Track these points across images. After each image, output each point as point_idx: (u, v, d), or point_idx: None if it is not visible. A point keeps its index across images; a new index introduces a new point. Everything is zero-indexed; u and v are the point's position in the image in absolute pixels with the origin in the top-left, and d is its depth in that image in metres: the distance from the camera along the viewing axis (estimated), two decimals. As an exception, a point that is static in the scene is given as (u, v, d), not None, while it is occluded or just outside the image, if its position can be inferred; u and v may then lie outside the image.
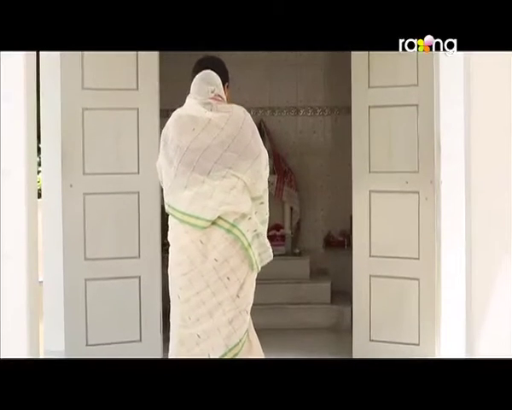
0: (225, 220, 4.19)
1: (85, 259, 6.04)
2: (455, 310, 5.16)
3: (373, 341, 6.03)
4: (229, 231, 4.19)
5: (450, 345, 5.15)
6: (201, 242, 4.21)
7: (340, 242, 8.67)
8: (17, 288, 4.87)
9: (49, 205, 6.07)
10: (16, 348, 4.77)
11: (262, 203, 4.39)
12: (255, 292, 7.47)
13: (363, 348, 6.04)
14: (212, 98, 4.33)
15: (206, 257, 4.20)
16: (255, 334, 4.39)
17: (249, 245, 4.23)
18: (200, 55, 4.55)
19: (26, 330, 4.89)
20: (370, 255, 6.01)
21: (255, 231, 4.28)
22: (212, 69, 4.41)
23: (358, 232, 6.12)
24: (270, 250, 4.39)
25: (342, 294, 7.40)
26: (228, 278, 4.21)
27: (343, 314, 7.21)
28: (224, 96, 4.40)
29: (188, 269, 4.22)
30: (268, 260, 4.40)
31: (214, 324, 4.19)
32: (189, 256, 4.23)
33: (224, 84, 4.42)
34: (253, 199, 4.32)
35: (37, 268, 5.13)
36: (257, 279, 7.75)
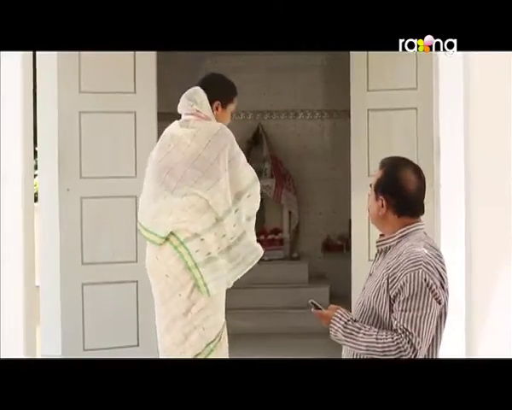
0: (176, 237, 4.18)
1: (82, 263, 6.03)
2: (454, 313, 5.12)
3: (372, 345, 5.99)
4: (176, 247, 4.17)
5: (449, 348, 5.11)
6: (157, 258, 4.25)
7: (339, 246, 8.65)
8: (14, 292, 4.84)
9: (46, 209, 6.05)
10: (13, 352, 4.73)
11: (222, 225, 4.25)
12: (254, 296, 7.52)
13: (362, 352, 6.01)
14: (192, 114, 4.30)
15: (160, 273, 4.24)
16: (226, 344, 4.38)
17: (196, 266, 4.15)
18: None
19: (23, 334, 4.86)
20: (369, 259, 5.97)
21: (209, 254, 4.19)
22: (202, 86, 4.38)
23: (357, 236, 6.09)
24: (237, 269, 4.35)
25: (341, 298, 7.36)
26: (179, 295, 4.20)
27: (342, 319, 7.18)
28: (208, 113, 4.32)
29: (152, 284, 4.32)
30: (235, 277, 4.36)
31: (172, 339, 4.23)
32: (150, 272, 4.31)
33: (212, 102, 4.34)
34: (217, 220, 4.22)
35: (33, 273, 5.10)
36: (255, 283, 7.76)
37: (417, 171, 3.18)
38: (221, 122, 4.34)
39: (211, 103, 4.33)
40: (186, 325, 4.19)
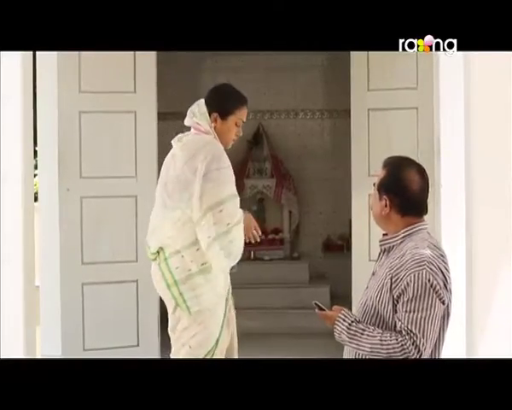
0: (163, 253, 4.14)
1: (82, 263, 6.01)
2: (455, 313, 5.11)
3: (372, 345, 5.99)
4: (159, 264, 4.16)
5: (450, 348, 5.11)
6: (153, 273, 4.25)
7: (340, 246, 8.64)
8: (14, 292, 4.83)
9: (46, 209, 6.04)
10: (13, 352, 4.73)
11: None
12: (254, 296, 7.51)
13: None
14: (193, 127, 4.24)
15: (157, 289, 4.27)
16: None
17: (175, 283, 4.10)
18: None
19: (23, 334, 4.85)
20: (370, 259, 5.97)
21: (189, 270, 4.09)
22: (206, 98, 4.28)
23: (358, 236, 6.08)
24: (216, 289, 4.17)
25: (342, 298, 7.34)
26: (169, 311, 4.21)
27: (342, 319, 7.17)
28: (207, 126, 4.20)
29: None
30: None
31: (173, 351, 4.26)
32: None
33: (211, 114, 4.20)
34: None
35: (33, 272, 5.09)
36: (255, 283, 7.75)
37: (421, 170, 3.18)
38: (222, 135, 4.21)
39: (210, 115, 4.21)
40: (176, 341, 4.18)
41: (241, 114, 4.28)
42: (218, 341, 4.15)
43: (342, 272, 7.10)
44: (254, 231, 4.22)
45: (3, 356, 4.66)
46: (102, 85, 5.98)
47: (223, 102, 4.25)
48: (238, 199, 4.13)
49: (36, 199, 5.67)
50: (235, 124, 4.26)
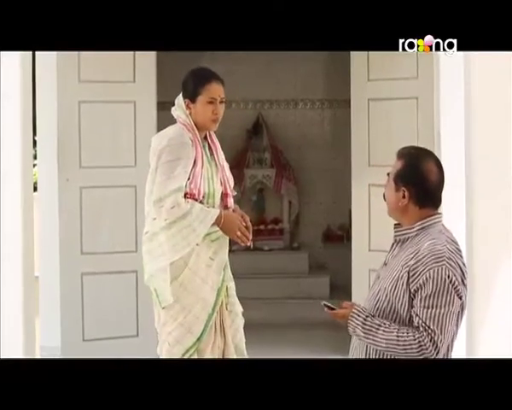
0: None
1: (82, 253, 6.00)
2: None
3: (372, 336, 5.98)
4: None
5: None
6: None
7: (339, 236, 8.64)
8: (13, 283, 4.83)
9: (46, 199, 6.04)
10: (12, 343, 4.74)
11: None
12: (253, 286, 7.51)
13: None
14: (177, 120, 4.21)
15: None
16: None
17: (150, 278, 4.10)
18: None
19: (22, 325, 4.86)
20: (370, 249, 5.96)
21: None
22: None
23: (358, 226, 6.07)
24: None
25: (341, 288, 7.37)
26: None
27: (342, 309, 7.16)
28: (183, 116, 4.15)
29: None
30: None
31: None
32: None
33: (184, 102, 4.16)
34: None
35: (33, 263, 5.09)
36: (254, 273, 7.75)
37: (438, 161, 3.16)
38: (198, 118, 4.12)
39: (185, 104, 4.17)
40: (159, 337, 4.17)
41: (211, 92, 4.14)
42: (199, 339, 4.03)
43: (342, 262, 7.10)
44: (239, 233, 4.07)
45: (3, 346, 4.67)
46: (102, 75, 5.97)
47: (189, 86, 4.18)
48: (181, 193, 3.96)
49: (35, 189, 5.67)
50: (208, 102, 4.13)
